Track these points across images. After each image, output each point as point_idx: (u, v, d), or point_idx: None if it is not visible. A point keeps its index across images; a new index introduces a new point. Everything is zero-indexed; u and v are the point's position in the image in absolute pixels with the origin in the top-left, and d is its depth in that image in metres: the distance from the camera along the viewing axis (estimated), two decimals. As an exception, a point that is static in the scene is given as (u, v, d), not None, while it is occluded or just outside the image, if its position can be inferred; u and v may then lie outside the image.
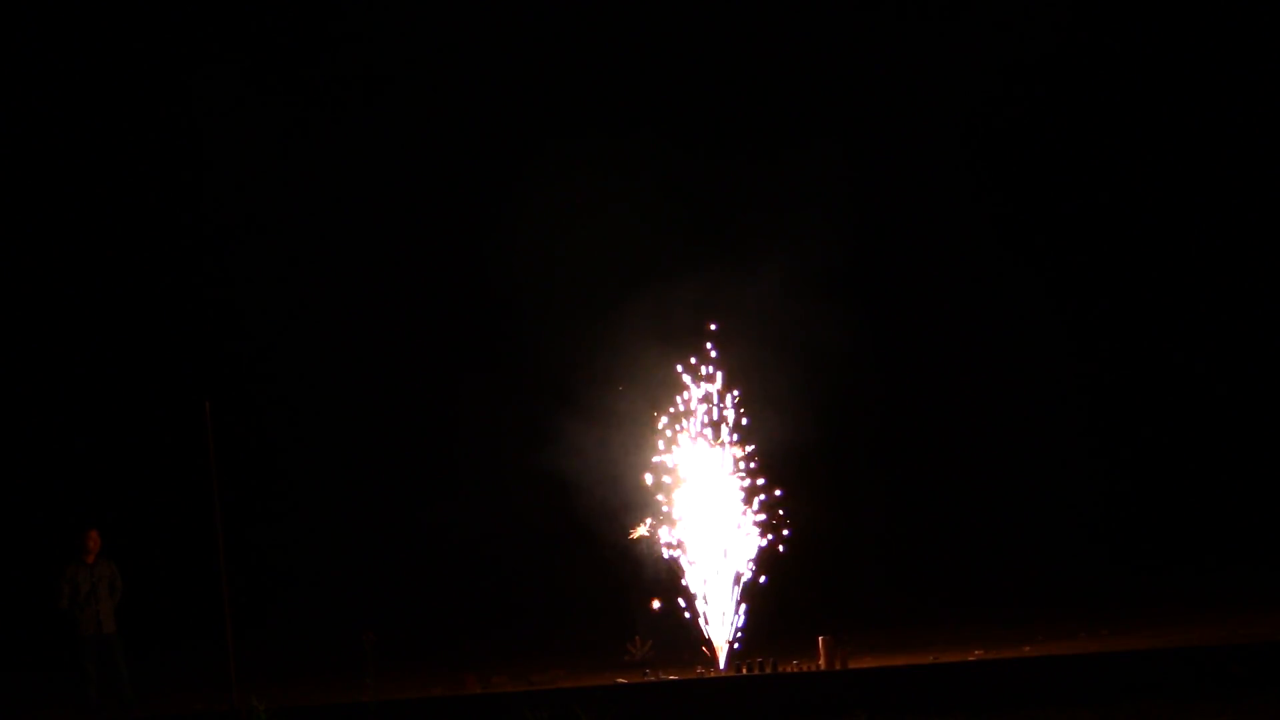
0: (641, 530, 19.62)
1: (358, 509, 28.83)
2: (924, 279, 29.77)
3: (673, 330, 19.94)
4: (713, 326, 19.70)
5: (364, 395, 25.92)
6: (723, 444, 19.66)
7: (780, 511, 19.57)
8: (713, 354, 19.70)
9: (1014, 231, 29.59)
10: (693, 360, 19.69)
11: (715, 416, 19.72)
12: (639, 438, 19.75)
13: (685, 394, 19.68)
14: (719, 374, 19.69)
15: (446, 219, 25.85)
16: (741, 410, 19.71)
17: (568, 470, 20.41)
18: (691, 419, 19.71)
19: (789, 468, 20.44)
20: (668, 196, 24.27)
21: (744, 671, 18.65)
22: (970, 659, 18.31)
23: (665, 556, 19.65)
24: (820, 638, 18.68)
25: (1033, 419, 30.22)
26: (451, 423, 23.77)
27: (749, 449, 19.61)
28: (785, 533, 19.60)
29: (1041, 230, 29.76)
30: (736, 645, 19.58)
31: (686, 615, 19.66)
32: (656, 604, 19.68)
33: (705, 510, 19.60)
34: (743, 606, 19.57)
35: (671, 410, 19.68)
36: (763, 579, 19.58)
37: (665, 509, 19.62)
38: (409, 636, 25.46)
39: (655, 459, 19.61)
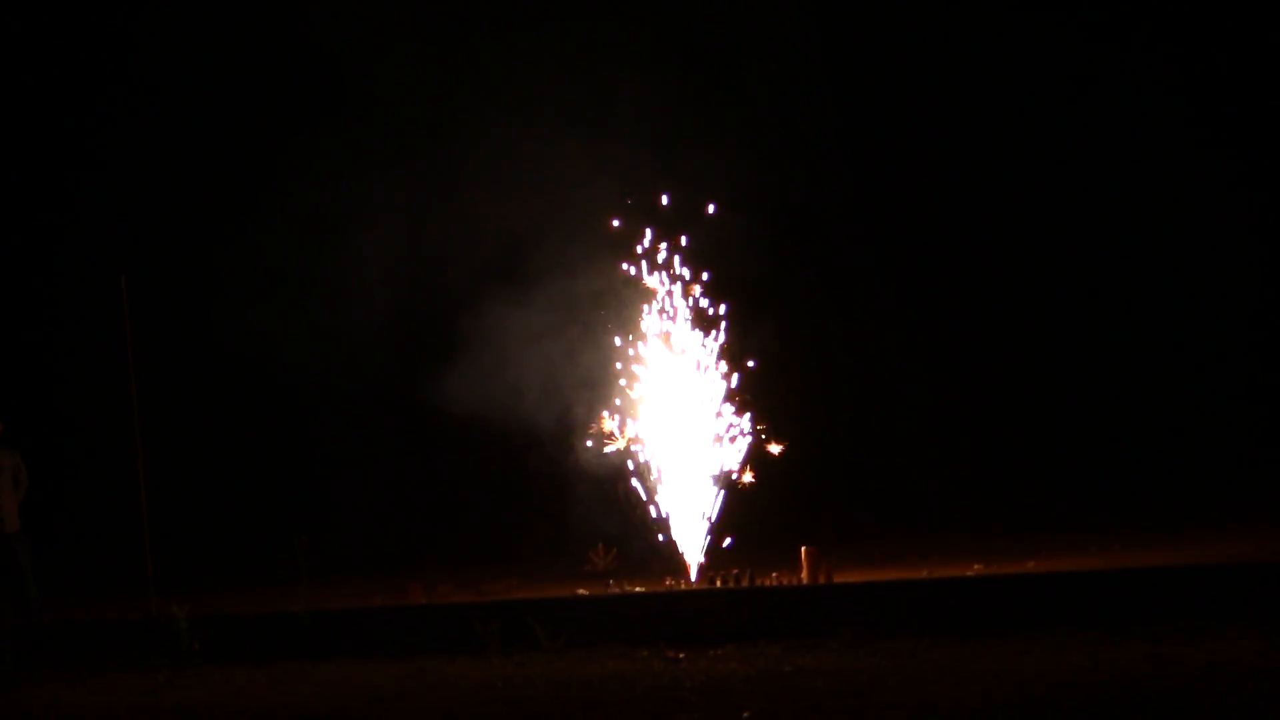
0: (607, 424, 19.47)
1: (290, 399, 28.64)
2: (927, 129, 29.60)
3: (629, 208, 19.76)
4: (665, 199, 19.53)
5: (296, 277, 25.66)
6: (692, 325, 19.52)
7: (757, 421, 19.47)
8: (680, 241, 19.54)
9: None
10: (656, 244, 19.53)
11: (685, 303, 19.56)
12: (597, 329, 19.59)
13: (648, 273, 19.52)
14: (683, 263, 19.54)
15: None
16: (713, 297, 19.55)
17: (519, 365, 20.28)
18: (655, 305, 19.54)
19: (774, 362, 20.29)
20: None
21: (717, 584, 18.55)
22: (968, 574, 18.24)
23: (629, 459, 19.53)
24: (803, 549, 18.57)
25: (1045, 310, 30.16)
26: (390, 305, 23.56)
27: (720, 338, 19.45)
28: (766, 435, 19.48)
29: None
30: (708, 556, 19.51)
31: (655, 522, 19.58)
32: (619, 504, 19.59)
33: (675, 404, 19.46)
34: (717, 512, 19.48)
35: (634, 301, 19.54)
36: (743, 480, 19.47)
37: (628, 404, 19.49)
38: (348, 541, 25.39)
39: (617, 346, 19.47)
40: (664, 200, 19.62)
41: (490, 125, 23.98)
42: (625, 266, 19.56)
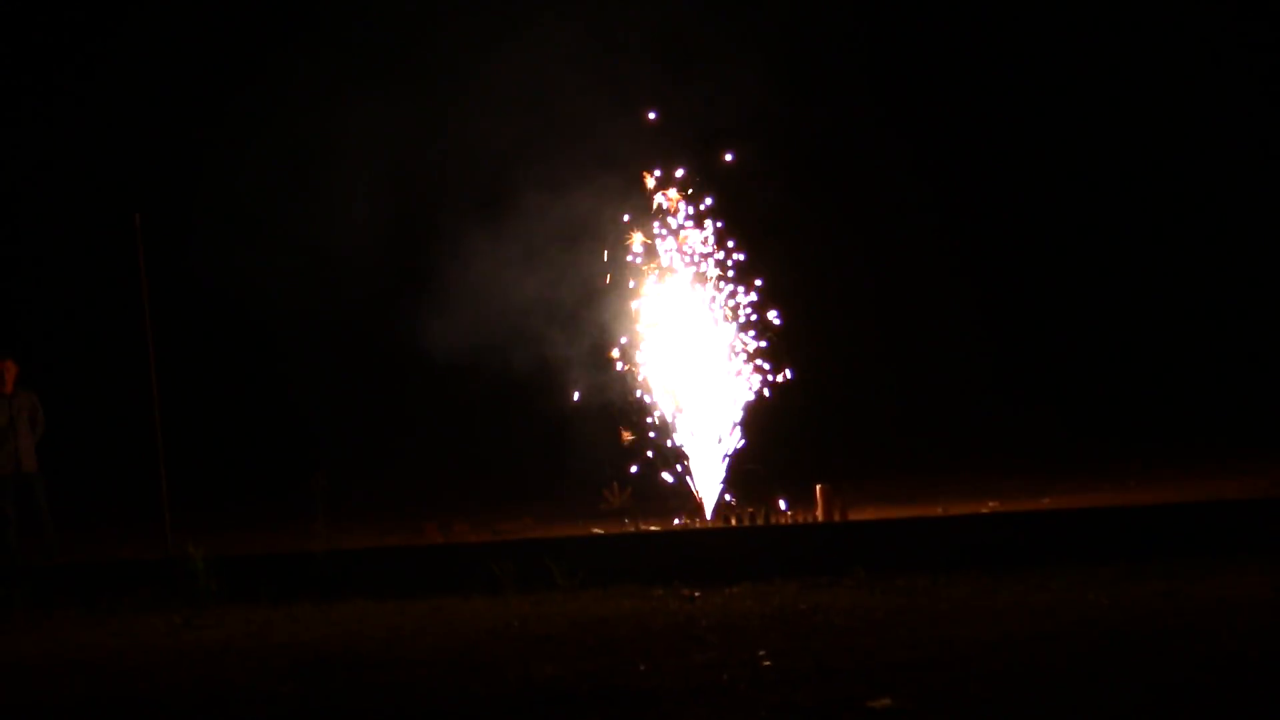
0: (616, 355, 19.47)
1: (304, 338, 28.68)
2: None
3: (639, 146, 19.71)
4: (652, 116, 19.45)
5: (308, 219, 25.68)
6: (707, 263, 19.49)
7: (769, 360, 19.44)
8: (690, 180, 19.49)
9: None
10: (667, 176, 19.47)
11: (700, 241, 19.54)
12: (607, 265, 19.57)
13: (660, 211, 19.48)
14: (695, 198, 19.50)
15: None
16: (730, 234, 19.52)
17: (529, 303, 20.28)
18: (670, 239, 19.51)
19: (790, 300, 20.27)
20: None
21: (732, 522, 18.61)
22: (983, 511, 18.27)
23: (641, 394, 19.54)
24: (818, 486, 18.62)
25: (1052, 254, 30.13)
26: (414, 256, 23.57)
27: (732, 265, 19.42)
28: (781, 373, 19.47)
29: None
30: (723, 492, 19.56)
31: (668, 458, 19.61)
32: (628, 437, 19.58)
33: (688, 340, 19.45)
34: (733, 448, 19.50)
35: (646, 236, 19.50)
36: (754, 416, 19.49)
37: (641, 339, 19.48)
38: (365, 481, 25.47)
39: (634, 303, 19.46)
40: (651, 118, 19.48)
41: (484, 42, 23.90)
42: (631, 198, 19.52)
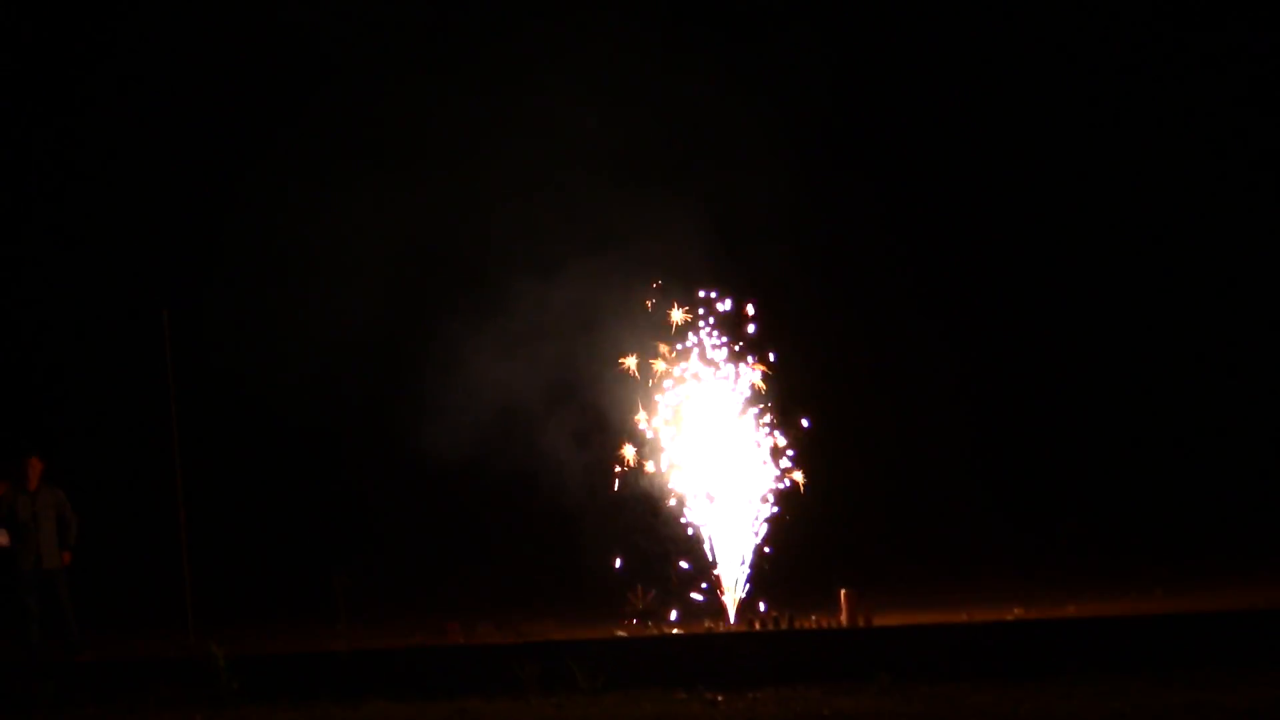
0: (644, 464, 19.50)
1: (330, 440, 28.75)
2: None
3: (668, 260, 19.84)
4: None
5: (333, 318, 25.84)
6: (735, 366, 19.55)
7: (794, 463, 19.47)
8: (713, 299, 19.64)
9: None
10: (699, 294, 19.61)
11: (726, 342, 19.63)
12: (637, 370, 19.66)
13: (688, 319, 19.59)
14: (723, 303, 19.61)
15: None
16: (757, 335, 19.60)
17: (559, 409, 20.38)
18: (698, 344, 19.60)
19: (814, 401, 20.30)
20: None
21: (756, 627, 18.56)
22: (1008, 618, 18.20)
23: (665, 497, 19.56)
24: (842, 591, 18.57)
25: (1085, 358, 30.14)
26: (427, 351, 23.69)
27: (762, 372, 19.47)
28: (803, 477, 19.48)
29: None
30: (747, 595, 19.50)
31: (690, 563, 19.58)
32: (652, 546, 19.60)
33: (714, 445, 19.47)
34: (755, 554, 19.48)
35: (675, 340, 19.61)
36: (779, 520, 19.48)
37: (665, 441, 19.53)
38: (387, 580, 25.43)
39: (657, 396, 19.52)
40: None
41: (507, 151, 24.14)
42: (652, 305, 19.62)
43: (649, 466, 19.56)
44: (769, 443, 19.57)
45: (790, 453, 19.54)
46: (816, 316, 26.32)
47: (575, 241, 20.78)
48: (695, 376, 19.64)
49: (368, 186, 24.77)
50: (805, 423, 19.50)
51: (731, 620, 19.39)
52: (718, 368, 19.64)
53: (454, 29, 26.23)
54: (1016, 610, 19.05)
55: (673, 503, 19.61)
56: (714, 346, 19.63)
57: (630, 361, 19.36)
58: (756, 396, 19.61)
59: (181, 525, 18.80)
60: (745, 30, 27.00)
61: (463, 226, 24.27)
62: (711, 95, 24.41)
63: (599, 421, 19.92)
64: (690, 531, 19.64)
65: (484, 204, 24.36)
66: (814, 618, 18.65)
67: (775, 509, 19.54)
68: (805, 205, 26.78)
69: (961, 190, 29.98)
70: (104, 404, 29.59)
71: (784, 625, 18.29)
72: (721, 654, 16.43)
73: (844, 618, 18.39)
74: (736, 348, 19.62)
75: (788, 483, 19.52)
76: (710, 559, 19.57)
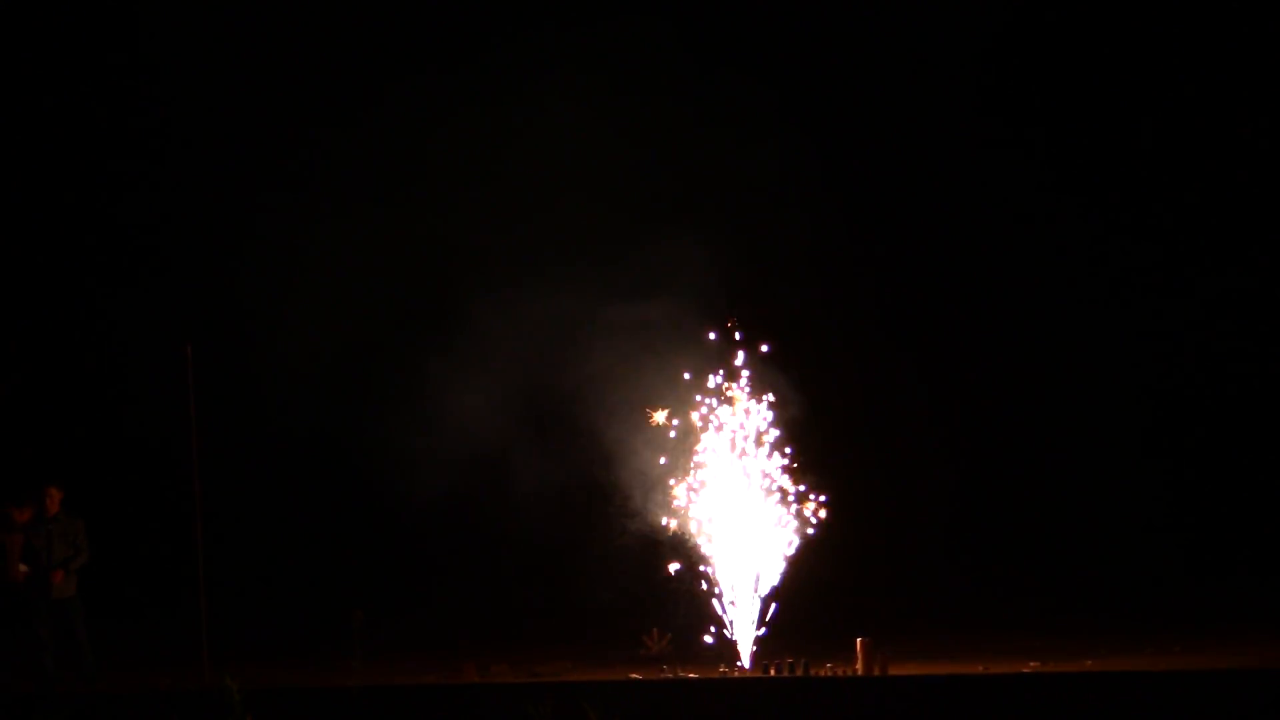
0: (658, 417, 19.47)
1: (348, 477, 28.79)
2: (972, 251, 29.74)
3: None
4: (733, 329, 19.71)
5: (351, 355, 25.93)
6: (745, 425, 19.59)
7: (816, 502, 19.47)
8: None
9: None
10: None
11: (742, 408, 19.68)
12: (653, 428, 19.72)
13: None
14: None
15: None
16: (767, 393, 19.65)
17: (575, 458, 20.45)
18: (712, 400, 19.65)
19: (827, 453, 20.32)
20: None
21: (771, 673, 18.53)
22: (1024, 671, 18.16)
23: (680, 540, 19.57)
24: (858, 640, 18.55)
25: (1099, 410, 30.10)
26: (445, 391, 23.76)
27: (770, 422, 19.51)
28: (818, 523, 19.48)
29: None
30: (763, 639, 19.49)
31: (707, 606, 19.60)
32: (672, 571, 19.62)
33: (729, 495, 19.49)
34: (772, 602, 19.46)
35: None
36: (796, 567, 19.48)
37: (683, 492, 19.55)
38: (403, 617, 25.42)
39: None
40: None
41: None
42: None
43: (666, 516, 19.60)
44: (787, 486, 19.59)
45: (811, 498, 19.56)
46: (836, 363, 26.36)
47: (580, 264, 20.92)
48: (712, 416, 19.67)
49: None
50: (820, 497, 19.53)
51: (746, 666, 19.37)
52: (733, 407, 19.67)
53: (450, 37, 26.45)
54: (1033, 664, 19.01)
55: (689, 548, 19.62)
56: (729, 390, 19.68)
57: (659, 416, 19.42)
58: (774, 440, 19.64)
59: (199, 557, 18.84)
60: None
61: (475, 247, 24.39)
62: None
63: (625, 472, 19.98)
64: (705, 576, 19.65)
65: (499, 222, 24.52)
66: (829, 666, 18.62)
67: (792, 553, 19.54)
68: (821, 244, 26.95)
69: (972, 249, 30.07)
70: (124, 436, 29.64)
71: (799, 672, 18.26)
72: (736, 699, 16.40)
73: (860, 666, 18.35)
74: (744, 389, 19.66)
75: (806, 530, 19.53)
76: (725, 603, 19.56)
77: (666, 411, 19.44)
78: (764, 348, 19.68)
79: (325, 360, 25.88)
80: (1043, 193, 29.23)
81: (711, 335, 19.54)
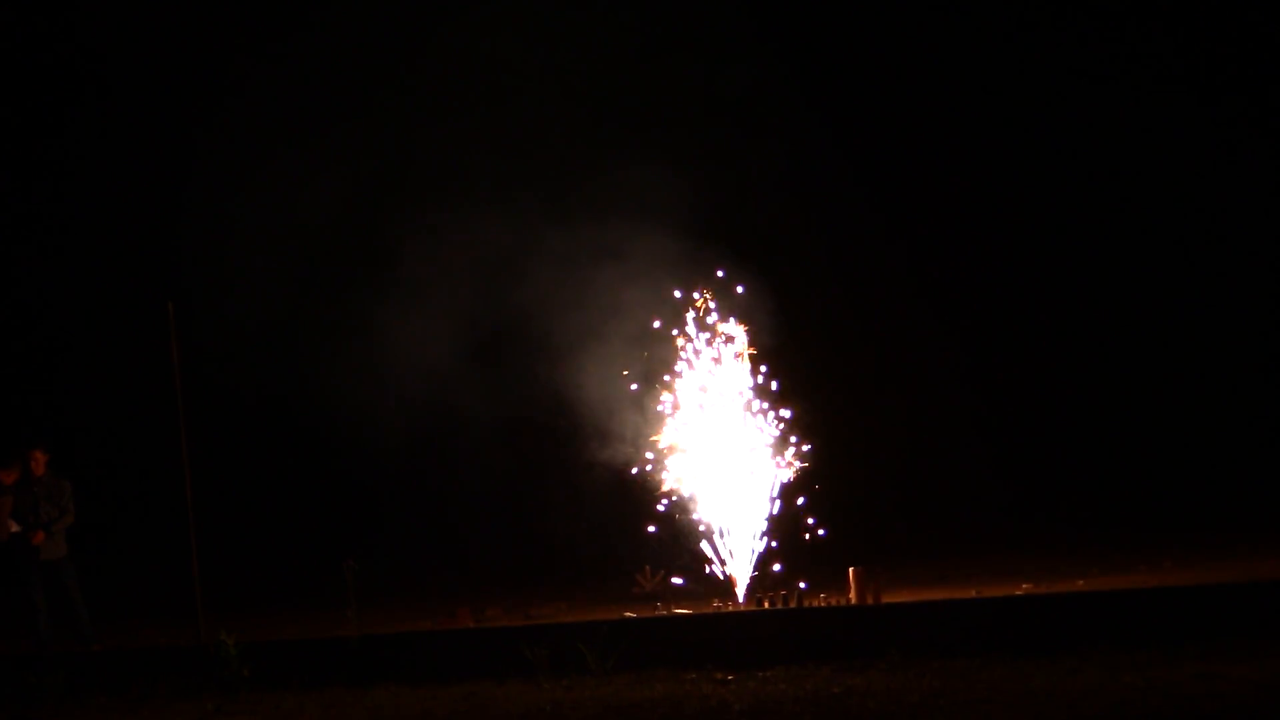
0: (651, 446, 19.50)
1: (335, 426, 28.75)
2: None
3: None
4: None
5: (339, 313, 25.85)
6: (735, 351, 19.55)
7: (801, 447, 19.48)
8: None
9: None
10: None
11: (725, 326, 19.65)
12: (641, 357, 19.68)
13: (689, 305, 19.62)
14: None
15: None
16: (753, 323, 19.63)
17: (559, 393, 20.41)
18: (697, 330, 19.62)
19: (818, 383, 20.31)
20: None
21: (765, 606, 18.58)
22: (1017, 593, 18.22)
23: (672, 477, 19.58)
24: (850, 569, 18.59)
25: (1084, 330, 30.16)
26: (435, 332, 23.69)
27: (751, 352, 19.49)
28: (804, 460, 19.48)
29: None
30: (755, 574, 19.54)
31: (701, 543, 19.63)
32: (652, 529, 19.66)
33: (719, 425, 19.49)
34: (764, 533, 19.50)
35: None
36: (789, 497, 19.50)
37: (670, 425, 19.54)
38: (396, 565, 25.48)
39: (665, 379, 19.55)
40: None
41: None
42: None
43: (654, 451, 19.60)
44: (775, 423, 19.59)
45: (794, 436, 19.57)
46: (819, 295, 26.35)
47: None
48: (694, 355, 19.65)
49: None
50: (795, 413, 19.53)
51: (740, 600, 19.41)
52: (717, 340, 19.65)
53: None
54: (1025, 586, 19.07)
55: (678, 484, 19.63)
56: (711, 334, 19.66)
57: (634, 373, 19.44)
58: (759, 375, 19.63)
59: (189, 513, 18.81)
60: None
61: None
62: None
63: (615, 412, 19.96)
64: (696, 513, 19.67)
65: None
66: (823, 596, 18.68)
67: (784, 485, 19.55)
68: (806, 180, 26.87)
69: (961, 178, 30.01)
70: (112, 394, 29.58)
71: (793, 604, 18.31)
72: (731, 633, 16.43)
73: (853, 595, 18.40)
74: (729, 330, 19.63)
75: (795, 462, 19.54)
76: (717, 539, 19.59)
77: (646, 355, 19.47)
78: (738, 288, 19.66)
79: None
80: (1033, 99, 29.19)
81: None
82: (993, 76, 29.63)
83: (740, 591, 19.52)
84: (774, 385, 19.57)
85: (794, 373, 19.89)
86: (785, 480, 19.55)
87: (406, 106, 25.32)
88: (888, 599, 18.30)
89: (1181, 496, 27.43)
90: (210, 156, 26.25)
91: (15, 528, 18.72)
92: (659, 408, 19.57)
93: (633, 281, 19.76)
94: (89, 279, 29.95)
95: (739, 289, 19.67)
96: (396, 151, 25.29)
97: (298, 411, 28.55)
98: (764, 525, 19.56)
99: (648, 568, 20.52)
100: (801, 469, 19.52)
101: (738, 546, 19.57)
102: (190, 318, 21.54)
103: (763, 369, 19.58)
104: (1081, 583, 19.06)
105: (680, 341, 19.58)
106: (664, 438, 19.57)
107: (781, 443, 19.54)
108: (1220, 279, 29.72)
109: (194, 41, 27.30)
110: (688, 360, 19.59)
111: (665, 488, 19.57)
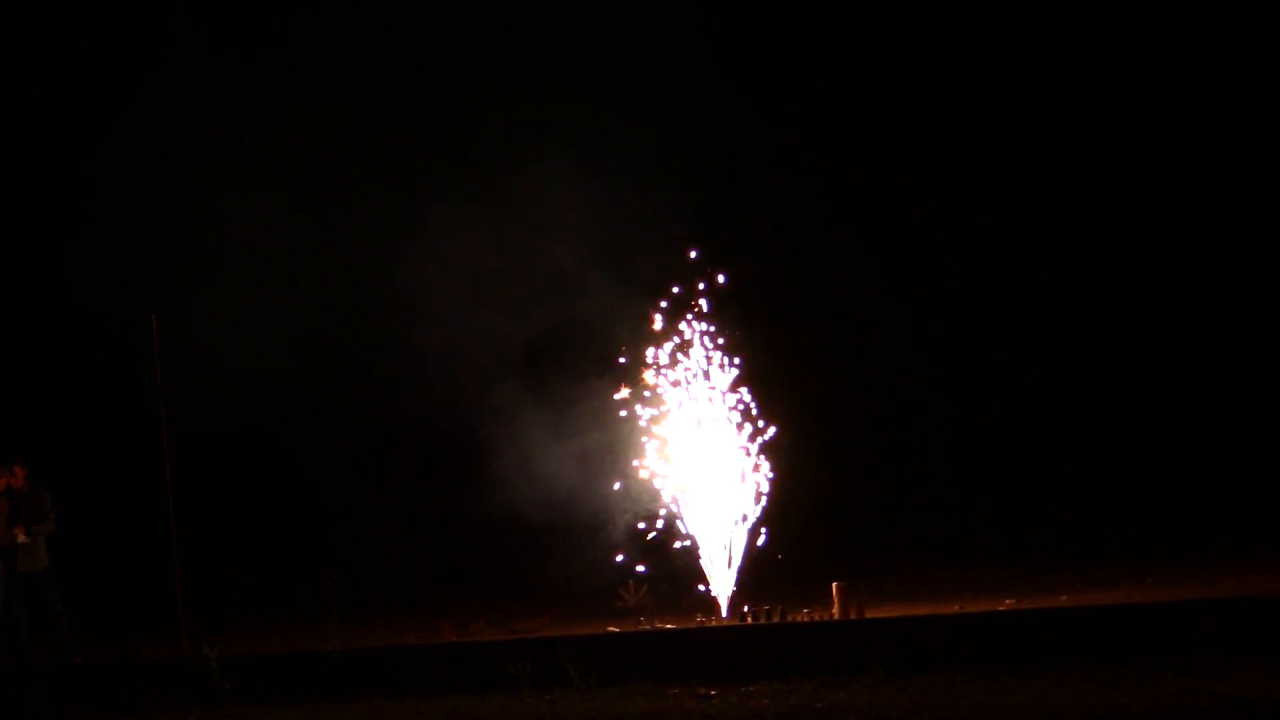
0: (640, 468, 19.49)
1: (320, 439, 28.72)
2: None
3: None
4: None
5: (323, 319, 25.81)
6: (717, 362, 19.57)
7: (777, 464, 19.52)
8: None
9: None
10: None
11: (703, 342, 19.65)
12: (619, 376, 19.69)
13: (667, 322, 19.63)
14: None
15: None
16: (731, 334, 19.63)
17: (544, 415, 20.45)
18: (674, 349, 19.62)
19: (798, 398, 20.31)
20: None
21: (749, 621, 18.57)
22: (1000, 609, 18.22)
23: (654, 492, 19.58)
24: (834, 584, 18.59)
25: (1066, 344, 30.21)
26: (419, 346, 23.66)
27: (735, 367, 19.50)
28: (772, 478, 19.50)
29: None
30: (738, 590, 19.54)
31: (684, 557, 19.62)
32: (650, 536, 19.64)
33: (700, 443, 19.49)
34: (745, 548, 19.49)
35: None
36: (766, 513, 19.51)
37: (653, 444, 19.55)
38: (379, 579, 25.42)
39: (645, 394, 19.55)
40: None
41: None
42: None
43: (637, 467, 19.60)
44: (753, 439, 19.60)
45: (766, 457, 19.59)
46: (795, 307, 26.38)
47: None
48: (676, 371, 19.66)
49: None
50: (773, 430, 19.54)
51: (724, 615, 19.40)
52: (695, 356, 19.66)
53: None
54: (1008, 601, 19.08)
55: (663, 499, 19.63)
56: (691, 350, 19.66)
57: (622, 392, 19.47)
58: (740, 393, 19.64)
59: (172, 526, 18.77)
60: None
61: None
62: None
63: (598, 428, 19.96)
64: (680, 527, 19.66)
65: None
66: (806, 611, 18.67)
67: (765, 501, 19.55)
68: (774, 192, 26.89)
69: (934, 188, 30.05)
70: (93, 406, 29.50)
71: (776, 619, 18.30)
72: (714, 648, 16.43)
73: (836, 611, 18.40)
74: (708, 337, 19.64)
75: (774, 476, 19.55)
76: (700, 554, 19.58)
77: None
78: (720, 277, 19.65)
79: (290, 319, 25.72)
80: (1005, 110, 29.22)
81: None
82: (963, 87, 29.66)
83: (723, 606, 19.51)
84: (751, 404, 19.58)
85: (770, 390, 19.89)
86: (765, 495, 19.55)
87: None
88: (871, 614, 18.30)
89: (1164, 512, 27.44)
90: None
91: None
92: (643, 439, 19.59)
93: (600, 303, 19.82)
94: (70, 290, 29.86)
95: (702, 303, 19.67)
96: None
97: (279, 425, 28.50)
98: (744, 541, 19.55)
99: (631, 582, 20.52)
100: (780, 486, 19.53)
101: (720, 561, 19.56)
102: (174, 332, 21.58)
103: (742, 390, 19.59)
104: (1064, 598, 19.07)
105: (650, 373, 19.59)
106: (645, 461, 19.59)
107: (759, 459, 19.55)
108: (1203, 293, 29.76)
109: (176, 50, 27.22)
110: (662, 387, 19.61)
111: (648, 507, 19.57)
